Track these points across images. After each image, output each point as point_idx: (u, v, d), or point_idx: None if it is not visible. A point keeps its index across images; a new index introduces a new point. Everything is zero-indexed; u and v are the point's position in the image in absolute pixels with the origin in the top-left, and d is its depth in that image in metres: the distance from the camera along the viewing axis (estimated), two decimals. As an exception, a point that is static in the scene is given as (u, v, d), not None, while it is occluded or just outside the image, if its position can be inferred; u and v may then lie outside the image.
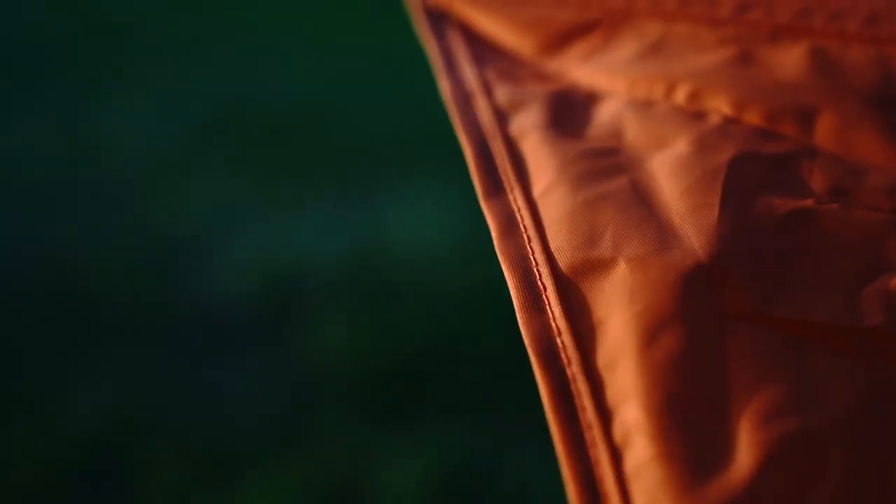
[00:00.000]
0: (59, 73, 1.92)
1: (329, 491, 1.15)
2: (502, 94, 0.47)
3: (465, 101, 0.47)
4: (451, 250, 1.46)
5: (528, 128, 0.44)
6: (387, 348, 1.32)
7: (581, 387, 0.34)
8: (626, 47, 0.49)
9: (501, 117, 0.45)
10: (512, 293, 0.37)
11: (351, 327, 1.35)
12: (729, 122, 0.42)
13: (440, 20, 0.56)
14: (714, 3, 0.48)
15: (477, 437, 1.21)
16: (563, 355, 0.35)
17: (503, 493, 1.16)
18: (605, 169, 0.41)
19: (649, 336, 0.34)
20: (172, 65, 1.91)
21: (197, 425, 1.23)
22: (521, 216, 0.40)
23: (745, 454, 0.32)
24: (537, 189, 0.41)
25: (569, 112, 0.45)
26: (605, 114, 0.45)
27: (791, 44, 0.45)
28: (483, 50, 0.53)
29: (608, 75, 0.47)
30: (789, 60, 0.44)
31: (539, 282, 0.37)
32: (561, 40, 0.51)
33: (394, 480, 1.16)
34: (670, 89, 0.44)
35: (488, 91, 0.48)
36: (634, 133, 0.43)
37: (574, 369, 0.34)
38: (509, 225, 0.40)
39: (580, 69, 0.49)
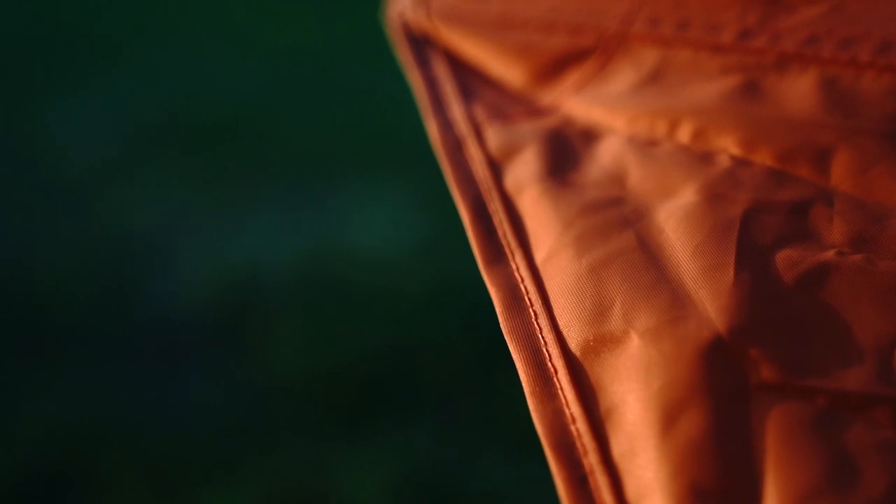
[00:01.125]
0: (3, 75, 1.88)
1: (290, 501, 1.14)
2: (494, 138, 0.44)
3: (456, 147, 0.44)
4: (409, 251, 1.44)
5: (525, 180, 0.42)
6: (346, 353, 1.30)
7: (600, 480, 0.32)
8: (622, 77, 0.46)
9: (496, 169, 0.43)
10: (521, 377, 0.35)
11: (309, 332, 1.33)
12: (738, 164, 0.39)
13: (423, 47, 0.53)
14: (714, 29, 0.45)
15: (440, 442, 1.19)
16: (578, 444, 0.33)
17: (469, 501, 1.14)
18: (610, 224, 0.38)
19: (669, 418, 0.32)
20: (119, 66, 1.88)
21: (153, 436, 1.21)
22: (526, 287, 0.37)
23: None
24: (539, 254, 0.38)
25: (566, 155, 0.43)
26: (605, 155, 0.42)
27: (799, 73, 0.42)
28: (470, 80, 0.50)
29: (606, 110, 0.44)
30: (798, 92, 0.41)
31: (549, 363, 0.35)
32: (553, 69, 0.48)
33: (356, 488, 1.15)
34: (673, 126, 0.42)
35: (479, 135, 0.45)
36: (638, 178, 0.40)
37: (591, 460, 0.32)
38: (514, 298, 0.37)
39: (575, 102, 0.46)
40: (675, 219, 0.37)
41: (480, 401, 1.22)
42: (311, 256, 1.44)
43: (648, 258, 0.36)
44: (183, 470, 1.16)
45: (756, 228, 0.36)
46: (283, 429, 1.22)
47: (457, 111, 0.47)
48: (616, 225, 0.38)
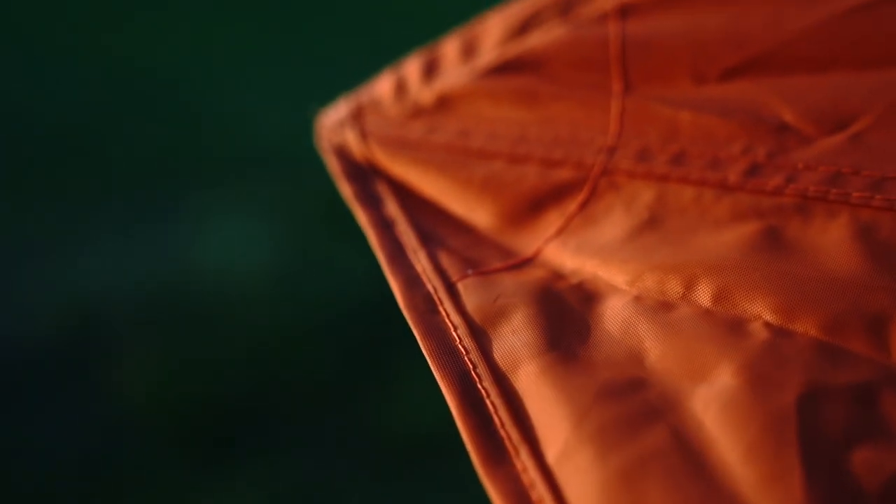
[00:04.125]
0: None
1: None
2: (472, 298, 0.38)
3: (427, 310, 0.37)
4: (261, 273, 1.37)
5: (520, 353, 0.35)
6: (201, 379, 1.23)
7: None
8: (614, 219, 0.40)
9: (481, 337, 0.36)
10: None
11: (159, 359, 1.24)
12: (778, 335, 0.33)
13: (368, 178, 0.46)
14: (717, 164, 0.39)
15: (306, 467, 1.13)
16: None
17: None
18: (635, 415, 0.32)
19: None
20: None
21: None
22: (540, 495, 0.30)
23: None
24: (551, 451, 0.32)
25: (563, 320, 0.36)
26: (611, 321, 0.36)
27: (827, 218, 0.36)
28: (426, 220, 0.43)
29: (600, 262, 0.38)
30: (830, 243, 0.36)
31: None
32: (527, 209, 0.42)
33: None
34: (689, 286, 0.36)
35: (453, 294, 0.38)
36: (659, 354, 0.34)
37: None
38: None
39: (560, 250, 0.40)
40: (714, 409, 0.31)
41: (346, 421, 1.17)
42: (157, 277, 1.35)
43: (691, 462, 0.30)
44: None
45: (817, 421, 0.30)
46: (137, 464, 1.14)
47: (422, 263, 0.40)
48: (643, 416, 0.32)
